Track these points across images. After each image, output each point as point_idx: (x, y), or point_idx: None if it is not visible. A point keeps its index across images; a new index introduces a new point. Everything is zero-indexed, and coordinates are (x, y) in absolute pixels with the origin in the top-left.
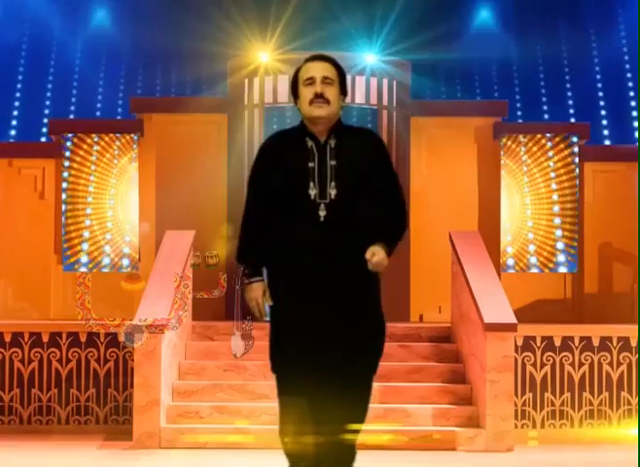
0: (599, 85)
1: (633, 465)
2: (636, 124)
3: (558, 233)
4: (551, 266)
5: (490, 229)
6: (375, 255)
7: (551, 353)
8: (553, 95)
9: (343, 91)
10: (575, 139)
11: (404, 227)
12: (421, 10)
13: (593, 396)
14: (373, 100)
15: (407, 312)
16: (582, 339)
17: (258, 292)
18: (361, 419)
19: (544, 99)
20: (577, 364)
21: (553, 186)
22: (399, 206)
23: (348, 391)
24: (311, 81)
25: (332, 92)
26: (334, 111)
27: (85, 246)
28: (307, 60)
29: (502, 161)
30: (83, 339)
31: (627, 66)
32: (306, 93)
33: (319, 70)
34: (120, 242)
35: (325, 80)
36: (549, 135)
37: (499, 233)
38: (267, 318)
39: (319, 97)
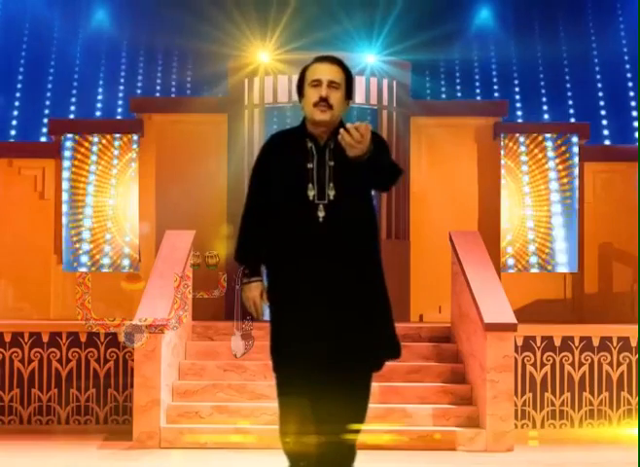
0: (599, 85)
1: (633, 465)
2: (636, 124)
3: (558, 232)
4: (551, 265)
5: (490, 229)
6: (364, 137)
7: (550, 353)
8: (553, 95)
9: (349, 95)
10: (575, 139)
11: (393, 173)
12: (421, 10)
13: (593, 396)
14: (373, 100)
15: (407, 312)
16: (582, 339)
17: (255, 292)
18: (361, 419)
19: (544, 99)
20: (577, 364)
21: (553, 186)
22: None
23: (348, 391)
24: (317, 83)
25: (336, 97)
26: (336, 115)
27: (85, 246)
28: (316, 60)
29: (502, 162)
30: (83, 339)
31: (627, 66)
32: (311, 95)
33: (326, 73)
34: (120, 242)
35: (331, 84)
36: (548, 135)
37: (499, 233)
38: (265, 318)
39: (323, 101)
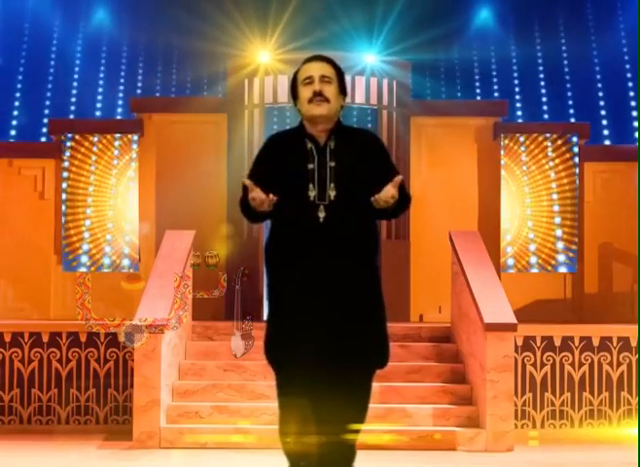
0: (599, 85)
1: (633, 465)
2: (636, 124)
3: (558, 232)
4: (551, 265)
5: (490, 229)
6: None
7: (550, 353)
8: (553, 95)
9: (343, 91)
10: (575, 139)
11: (407, 202)
12: (421, 10)
13: (593, 396)
14: (373, 100)
15: (407, 312)
16: (582, 339)
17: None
18: (361, 419)
19: (544, 99)
20: (577, 364)
21: (553, 186)
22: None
23: (348, 390)
24: (310, 80)
25: (330, 91)
26: (333, 109)
27: (85, 246)
28: (305, 61)
29: (502, 162)
30: (83, 339)
31: (627, 66)
32: (305, 93)
33: (317, 69)
34: (120, 242)
35: (323, 79)
36: (548, 135)
37: (499, 233)
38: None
39: (318, 95)
